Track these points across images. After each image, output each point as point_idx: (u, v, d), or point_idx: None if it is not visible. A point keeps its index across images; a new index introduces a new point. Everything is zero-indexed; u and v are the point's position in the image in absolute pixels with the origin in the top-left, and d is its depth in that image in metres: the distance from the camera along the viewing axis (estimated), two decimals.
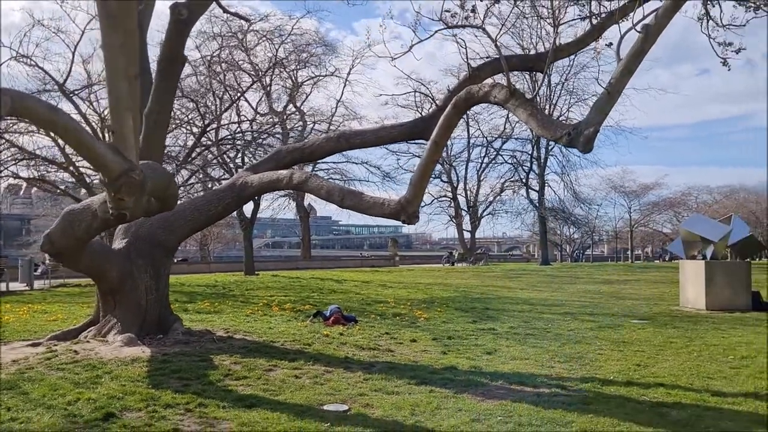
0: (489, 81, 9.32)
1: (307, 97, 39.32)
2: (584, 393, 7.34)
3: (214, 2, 11.94)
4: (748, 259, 17.91)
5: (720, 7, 8.17)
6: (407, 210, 8.64)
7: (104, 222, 8.24)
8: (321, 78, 38.32)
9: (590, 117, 6.75)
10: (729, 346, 10.63)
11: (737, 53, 9.91)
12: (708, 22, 9.11)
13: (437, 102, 12.30)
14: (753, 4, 8.82)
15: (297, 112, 39.55)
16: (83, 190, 25.61)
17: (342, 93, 50.41)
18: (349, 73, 40.17)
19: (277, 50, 33.59)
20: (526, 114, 7.31)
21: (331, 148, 11.05)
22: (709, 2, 8.05)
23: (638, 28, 6.59)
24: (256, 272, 29.92)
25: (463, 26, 8.28)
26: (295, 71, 36.43)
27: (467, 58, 9.48)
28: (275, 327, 11.84)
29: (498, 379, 8.01)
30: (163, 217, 10.26)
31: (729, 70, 8.38)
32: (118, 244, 10.54)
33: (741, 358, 9.57)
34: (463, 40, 9.24)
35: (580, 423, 6.06)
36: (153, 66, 11.89)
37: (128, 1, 4.80)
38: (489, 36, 7.81)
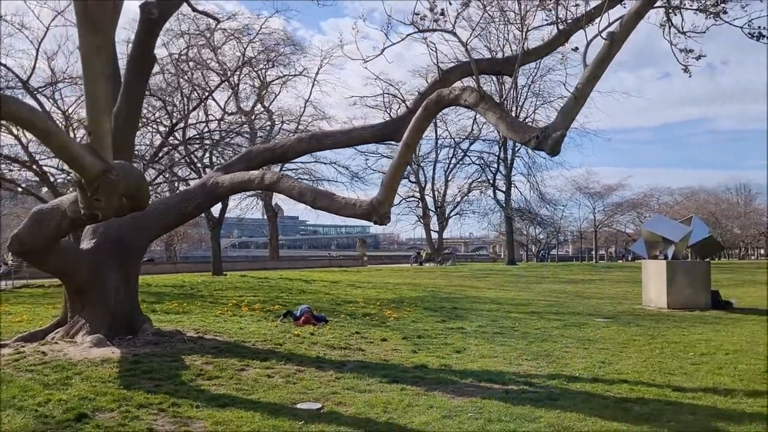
0: (459, 84, 9.47)
1: (275, 96, 39.26)
2: (551, 389, 7.55)
3: (183, 1, 11.89)
4: (708, 259, 18.43)
5: (681, 15, 8.44)
6: (379, 211, 8.75)
7: (74, 222, 8.18)
8: (290, 78, 38.28)
9: (557, 121, 6.94)
10: (689, 343, 10.98)
11: (697, 59, 10.27)
12: (670, 29, 9.41)
13: (407, 103, 12.43)
14: (712, 13, 9.12)
15: (265, 112, 39.45)
16: (45, 189, 25.13)
17: (310, 93, 50.43)
18: (317, 73, 40.20)
19: (245, 49, 33.48)
20: (496, 117, 7.48)
21: (302, 149, 11.10)
22: (671, 11, 8.32)
23: (604, 35, 6.80)
24: (224, 272, 29.73)
25: (435, 30, 8.42)
26: (263, 71, 36.30)
27: (437, 61, 9.63)
28: (246, 327, 11.84)
29: (467, 377, 8.16)
30: (133, 218, 10.17)
31: (690, 76, 8.68)
32: (87, 244, 10.44)
33: (700, 354, 9.90)
34: (434, 43, 9.40)
35: (547, 418, 6.24)
36: (120, 64, 11.83)
37: (106, 2, 4.81)
38: (460, 40, 7.97)
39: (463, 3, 10.05)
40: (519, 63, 8.42)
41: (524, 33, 8.27)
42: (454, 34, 7.92)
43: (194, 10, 16.50)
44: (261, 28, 34.37)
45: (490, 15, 10.93)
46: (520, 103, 50.11)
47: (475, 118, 50.65)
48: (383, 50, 8.34)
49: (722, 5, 9.51)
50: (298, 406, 6.62)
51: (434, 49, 9.12)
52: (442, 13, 9.74)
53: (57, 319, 10.70)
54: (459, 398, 7.04)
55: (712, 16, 9.14)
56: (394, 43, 8.29)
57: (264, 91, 37.24)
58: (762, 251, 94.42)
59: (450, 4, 9.77)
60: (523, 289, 24.87)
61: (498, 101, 7.78)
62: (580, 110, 6.97)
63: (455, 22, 7.77)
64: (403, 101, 40.41)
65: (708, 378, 8.25)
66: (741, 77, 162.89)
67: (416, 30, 8.20)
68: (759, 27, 7.82)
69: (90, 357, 8.63)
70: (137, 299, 11.02)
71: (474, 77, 8.14)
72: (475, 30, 10.69)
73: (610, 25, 6.96)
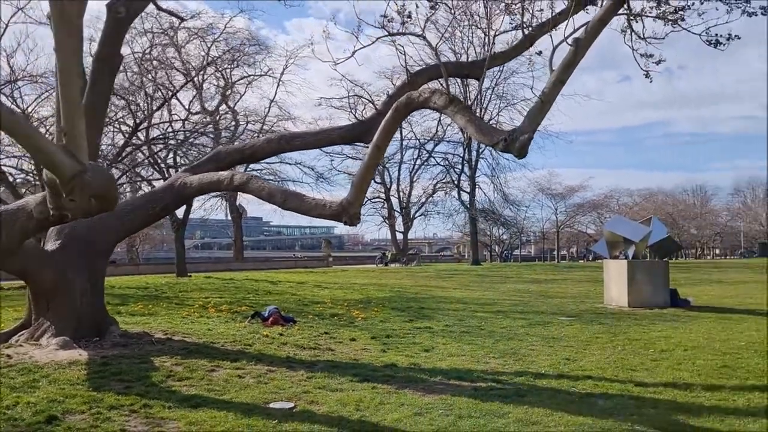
0: (429, 87, 9.62)
1: (241, 96, 39.01)
2: (519, 386, 7.74)
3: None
4: (666, 259, 18.96)
5: (642, 22, 8.72)
6: (349, 211, 8.84)
7: (40, 223, 8.08)
8: (255, 78, 38.08)
9: (524, 124, 7.13)
10: (649, 340, 11.31)
11: (657, 64, 10.61)
12: (631, 34, 9.70)
13: (375, 105, 12.55)
14: (670, 20, 9.44)
15: (230, 112, 39.15)
16: (2, 188, 24.56)
17: (275, 93, 50.19)
18: (282, 73, 40.05)
19: (209, 49, 33.22)
20: (465, 120, 7.64)
21: (271, 150, 11.13)
22: (632, 18, 8.59)
23: (569, 41, 7.01)
24: (188, 274, 29.42)
25: (405, 34, 8.54)
26: (228, 70, 36.08)
27: (406, 64, 9.78)
28: (214, 328, 11.79)
29: (437, 375, 8.31)
30: (99, 218, 10.04)
31: (651, 81, 8.96)
32: (52, 245, 10.30)
33: (660, 351, 10.22)
34: (402, 46, 9.55)
35: (516, 414, 6.41)
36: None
37: (80, 2, 4.80)
38: (429, 44, 8.11)
39: (431, 6, 10.24)
40: (487, 66, 8.60)
41: (492, 38, 8.46)
42: (424, 38, 8.07)
43: (159, 8, 16.43)
44: (225, 27, 34.18)
45: (457, 19, 11.11)
46: (484, 106, 50.64)
47: (439, 120, 51.08)
48: (354, 53, 8.44)
49: (680, 13, 9.87)
50: (271, 405, 6.67)
51: (403, 52, 9.27)
52: (409, 16, 9.93)
53: (20, 321, 10.52)
54: (429, 396, 7.17)
55: (670, 23, 9.45)
56: (364, 46, 8.41)
57: (229, 91, 36.98)
58: (717, 251, 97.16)
59: (417, 7, 9.98)
60: (488, 288, 25.19)
61: (466, 104, 7.95)
62: (546, 114, 7.16)
63: (425, 26, 7.91)
64: (371, 102, 40.52)
65: (668, 373, 8.53)
66: (698, 82, 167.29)
67: (387, 33, 8.32)
68: (716, 34, 8.14)
69: (57, 359, 8.53)
70: (103, 301, 10.90)
71: (443, 80, 8.29)
72: (443, 34, 10.83)
73: (575, 31, 7.17)
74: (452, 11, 11.25)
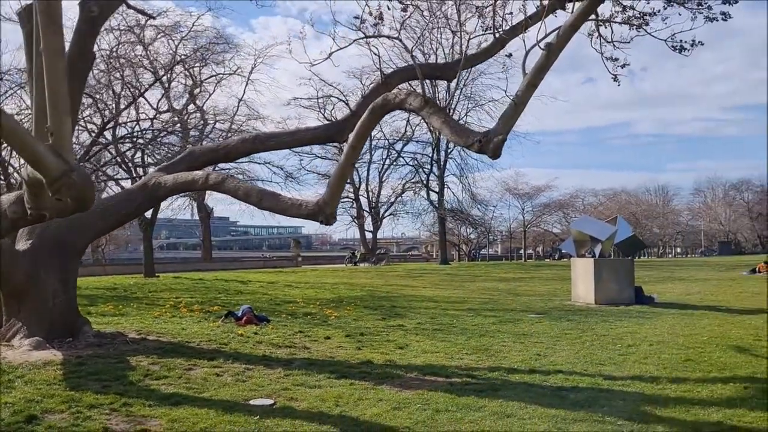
0: (405, 88, 9.77)
1: (209, 96, 38.72)
2: (492, 381, 7.94)
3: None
4: (631, 257, 19.46)
5: (610, 27, 9.01)
6: (325, 211, 8.93)
7: (14, 223, 8.01)
8: (224, 77, 37.85)
9: (498, 126, 7.32)
10: (616, 335, 11.65)
11: (622, 68, 10.95)
12: (599, 38, 10.00)
13: (349, 104, 12.66)
14: (635, 25, 9.75)
15: (198, 111, 38.82)
16: None
17: (244, 92, 49.82)
18: (251, 72, 39.87)
19: (176, 47, 32.92)
20: (440, 121, 7.81)
21: (246, 150, 11.16)
22: (600, 23, 8.87)
23: (542, 45, 7.22)
24: (156, 274, 29.13)
25: (381, 36, 8.68)
26: (199, 68, 35.81)
27: (380, 65, 9.92)
28: (188, 328, 11.77)
29: (412, 371, 8.48)
30: (71, 218, 9.98)
31: (619, 85, 9.25)
32: (23, 245, 10.19)
33: (627, 346, 10.54)
34: (376, 47, 9.70)
35: (491, 407, 6.60)
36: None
37: (63, 1, 4.83)
38: (405, 47, 8.27)
39: (402, 8, 10.41)
40: (461, 68, 8.78)
41: (467, 41, 8.64)
42: (400, 41, 8.22)
43: (128, 5, 16.29)
44: (193, 25, 33.90)
45: (431, 22, 11.30)
46: (453, 106, 51.08)
47: (408, 120, 51.37)
48: (330, 54, 8.54)
49: (645, 18, 10.21)
50: (251, 402, 6.75)
51: (377, 53, 9.41)
52: (381, 18, 10.09)
53: None
54: (406, 391, 7.32)
55: (635, 28, 9.77)
56: (341, 48, 8.51)
57: (198, 90, 36.71)
58: (678, 250, 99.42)
59: (389, 9, 10.15)
60: (458, 287, 25.48)
61: (441, 106, 8.12)
62: (519, 116, 7.36)
63: (401, 29, 8.06)
64: (345, 102, 40.52)
65: (635, 367, 8.83)
66: (659, 84, 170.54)
67: (363, 36, 8.44)
68: (681, 40, 8.46)
69: (31, 360, 8.46)
70: (76, 301, 10.80)
71: (417, 82, 8.45)
72: (415, 36, 11.00)
73: (546, 35, 7.38)
74: (423, 13, 11.43)
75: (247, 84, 40.09)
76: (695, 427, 6.05)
